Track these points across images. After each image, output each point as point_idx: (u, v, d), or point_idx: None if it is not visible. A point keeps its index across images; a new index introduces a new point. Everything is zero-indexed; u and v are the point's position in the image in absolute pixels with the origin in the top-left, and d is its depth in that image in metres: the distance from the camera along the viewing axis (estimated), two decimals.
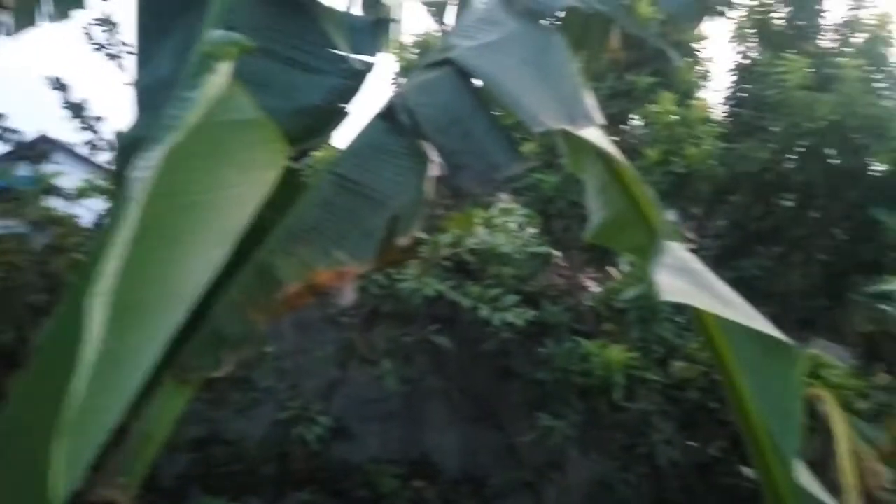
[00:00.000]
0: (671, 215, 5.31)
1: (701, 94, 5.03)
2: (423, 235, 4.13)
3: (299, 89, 1.63)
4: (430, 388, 4.61)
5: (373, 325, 3.97)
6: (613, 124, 4.81)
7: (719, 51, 5.00)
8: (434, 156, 1.30)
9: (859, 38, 4.29)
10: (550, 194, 4.49)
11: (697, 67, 5.16)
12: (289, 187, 1.30)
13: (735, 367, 1.66)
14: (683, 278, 1.46)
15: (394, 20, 1.71)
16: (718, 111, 5.01)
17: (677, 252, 1.56)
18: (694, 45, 4.96)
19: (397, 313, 3.88)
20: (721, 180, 4.49)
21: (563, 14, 1.66)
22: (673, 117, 4.46)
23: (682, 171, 4.29)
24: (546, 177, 4.46)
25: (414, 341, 4.08)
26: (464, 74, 1.43)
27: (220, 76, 0.98)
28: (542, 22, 1.53)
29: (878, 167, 4.22)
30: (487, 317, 3.97)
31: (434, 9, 1.87)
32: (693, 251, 5.49)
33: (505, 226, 4.58)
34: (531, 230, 5.00)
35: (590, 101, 1.46)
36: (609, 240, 2.35)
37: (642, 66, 4.64)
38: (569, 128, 1.37)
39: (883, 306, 5.06)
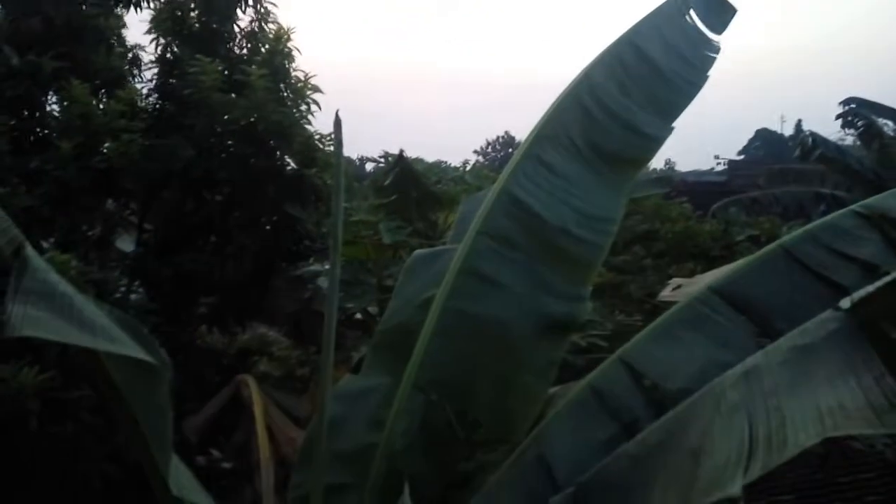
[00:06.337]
0: (109, 211, 4.92)
1: (127, 84, 4.77)
2: None
3: None
4: None
5: None
6: (17, 109, 4.13)
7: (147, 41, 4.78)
8: None
9: (264, 49, 4.71)
10: None
11: (125, 56, 4.87)
12: None
13: (119, 388, 1.59)
14: (44, 305, 1.31)
15: None
16: (146, 104, 4.83)
17: (41, 275, 1.40)
18: (113, 33, 4.65)
19: None
20: (151, 176, 4.37)
21: None
22: (91, 108, 4.10)
23: (103, 167, 3.99)
24: None
25: None
26: None
27: None
28: None
29: (291, 167, 4.78)
30: None
31: None
32: (138, 247, 5.15)
33: None
34: None
35: None
36: None
37: (50, 46, 4.10)
38: None
39: (308, 286, 5.90)
